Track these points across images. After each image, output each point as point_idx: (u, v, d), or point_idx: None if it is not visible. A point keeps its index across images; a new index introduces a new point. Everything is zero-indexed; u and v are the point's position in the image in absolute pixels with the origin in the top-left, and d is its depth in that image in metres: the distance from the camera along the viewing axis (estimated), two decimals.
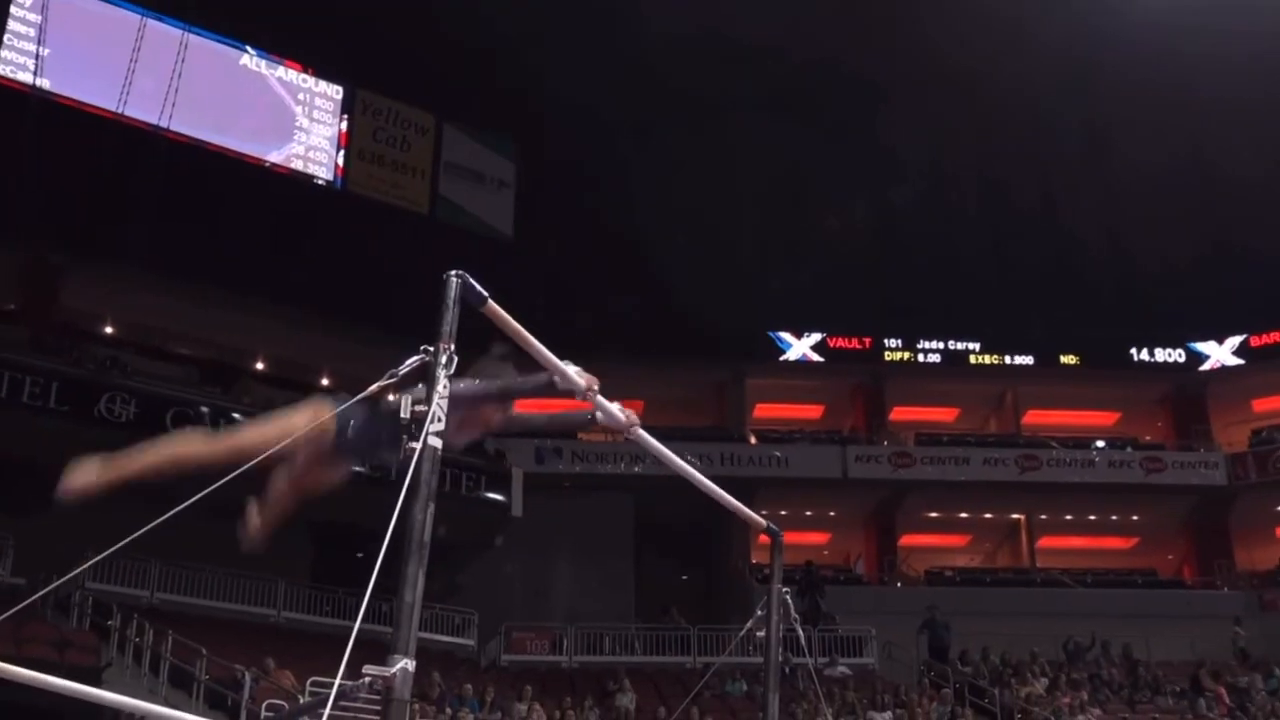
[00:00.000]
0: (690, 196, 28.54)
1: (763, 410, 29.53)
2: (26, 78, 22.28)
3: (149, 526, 3.60)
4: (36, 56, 22.56)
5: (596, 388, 3.89)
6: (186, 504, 3.49)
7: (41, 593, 4.52)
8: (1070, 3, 26.61)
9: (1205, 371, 29.48)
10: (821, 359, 29.20)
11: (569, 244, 26.77)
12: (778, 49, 27.58)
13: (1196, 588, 27.25)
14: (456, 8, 25.50)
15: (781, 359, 29.13)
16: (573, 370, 3.97)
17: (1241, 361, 29.28)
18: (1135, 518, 28.88)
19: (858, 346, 29.31)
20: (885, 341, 29.27)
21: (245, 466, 3.57)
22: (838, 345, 29.22)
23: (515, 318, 3.51)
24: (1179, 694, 20.89)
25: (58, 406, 19.24)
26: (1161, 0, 26.65)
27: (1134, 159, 29.52)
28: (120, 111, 23.50)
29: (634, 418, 4.32)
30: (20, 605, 5.39)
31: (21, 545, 17.74)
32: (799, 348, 29.17)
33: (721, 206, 28.91)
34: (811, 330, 29.07)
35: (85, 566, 4.33)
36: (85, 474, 3.83)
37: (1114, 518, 28.93)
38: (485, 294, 3.28)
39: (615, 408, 4.24)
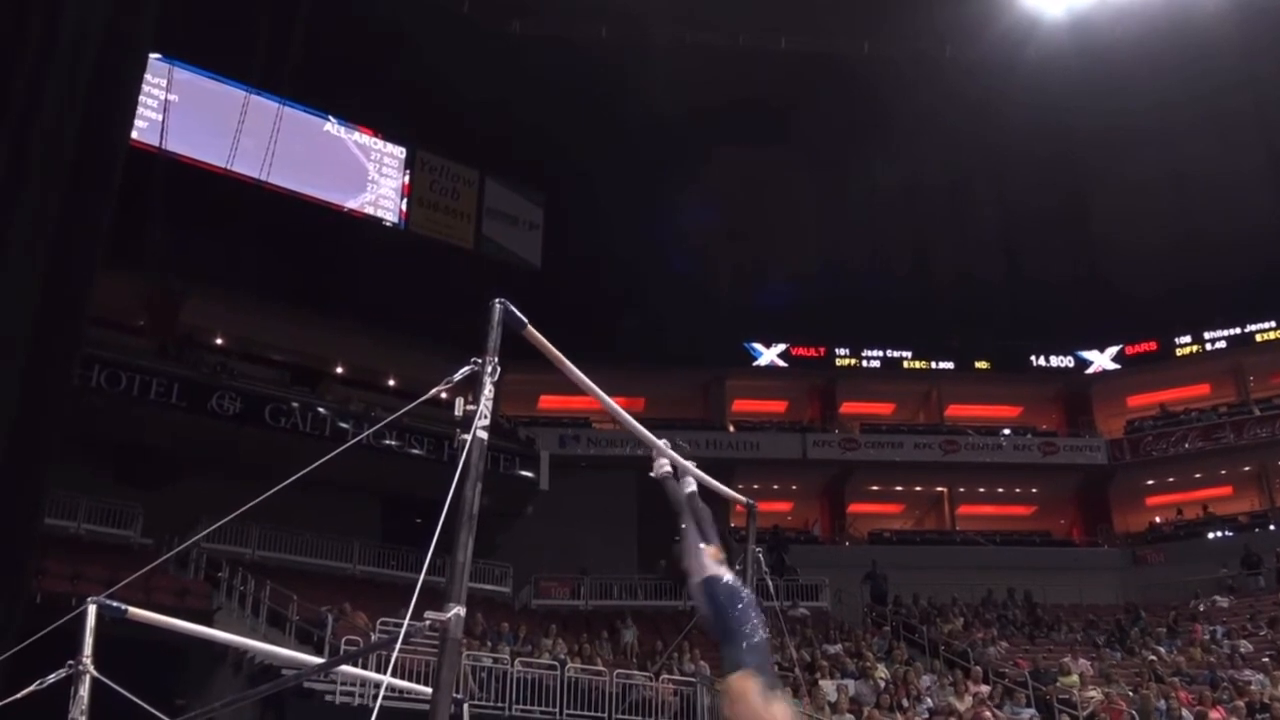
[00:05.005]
0: (683, 236, 28.54)
1: (739, 405, 29.40)
2: (154, 140, 22.26)
3: (255, 501, 3.61)
4: (162, 124, 22.53)
5: (661, 473, 4.29)
6: (284, 484, 3.49)
7: (172, 553, 4.51)
8: (987, 103, 26.60)
9: (1090, 374, 29.36)
10: (786, 365, 29.11)
11: (585, 273, 26.69)
12: (751, 117, 27.52)
13: (1082, 546, 27.15)
14: (494, 92, 25.55)
15: (754, 364, 29.00)
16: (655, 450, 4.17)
17: (1118, 366, 29.19)
18: (1034, 490, 28.75)
19: (814, 354, 29.20)
20: (836, 351, 29.15)
21: (321, 461, 3.53)
22: (799, 353, 29.12)
23: (542, 332, 3.30)
24: (1112, 631, 20.34)
25: (178, 403, 19.21)
26: (1057, 93, 26.66)
27: (1034, 211, 29.51)
28: (228, 167, 23.45)
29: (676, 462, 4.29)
30: (154, 563, 5.42)
31: (149, 513, 17.74)
32: (768, 355, 29.08)
33: (708, 244, 28.89)
34: (778, 342, 28.96)
35: (205, 532, 4.32)
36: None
37: (1017, 490, 28.82)
38: (524, 320, 3.13)
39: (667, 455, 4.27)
